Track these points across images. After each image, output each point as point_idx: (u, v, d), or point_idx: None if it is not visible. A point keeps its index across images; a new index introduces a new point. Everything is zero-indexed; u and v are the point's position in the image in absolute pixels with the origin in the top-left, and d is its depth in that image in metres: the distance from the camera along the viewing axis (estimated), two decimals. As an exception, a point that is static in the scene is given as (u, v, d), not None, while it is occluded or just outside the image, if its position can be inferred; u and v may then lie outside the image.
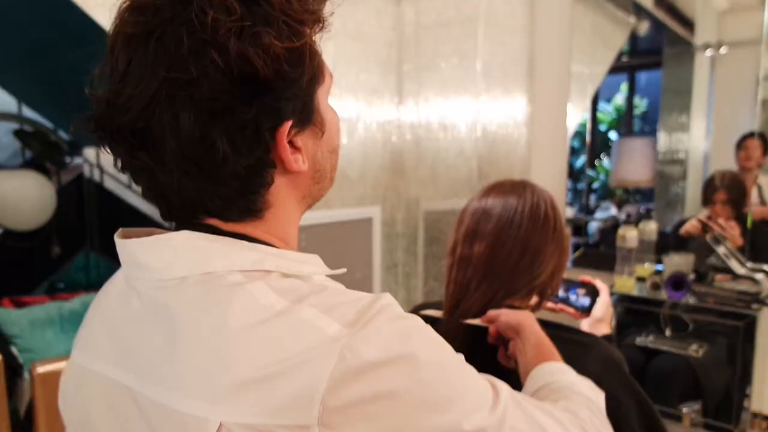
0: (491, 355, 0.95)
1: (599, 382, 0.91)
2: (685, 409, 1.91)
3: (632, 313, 2.12)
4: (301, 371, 0.46)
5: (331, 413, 0.45)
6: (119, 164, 0.55)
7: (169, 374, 0.51)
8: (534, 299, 1.02)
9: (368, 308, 0.50)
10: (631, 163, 2.76)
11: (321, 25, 0.55)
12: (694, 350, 1.78)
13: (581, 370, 0.92)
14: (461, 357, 0.58)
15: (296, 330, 0.48)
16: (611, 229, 2.67)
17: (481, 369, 0.61)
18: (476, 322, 0.96)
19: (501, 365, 0.92)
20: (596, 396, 0.78)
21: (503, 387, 0.60)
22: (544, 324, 1.01)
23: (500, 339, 0.93)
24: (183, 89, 0.48)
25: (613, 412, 0.92)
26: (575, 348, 0.96)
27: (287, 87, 0.52)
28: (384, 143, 2.17)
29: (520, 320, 0.90)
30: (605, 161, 3.34)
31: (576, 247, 2.67)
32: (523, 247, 0.97)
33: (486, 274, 0.98)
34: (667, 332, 1.91)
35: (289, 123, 0.54)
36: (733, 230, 1.98)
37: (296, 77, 0.53)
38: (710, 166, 2.42)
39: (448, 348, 0.56)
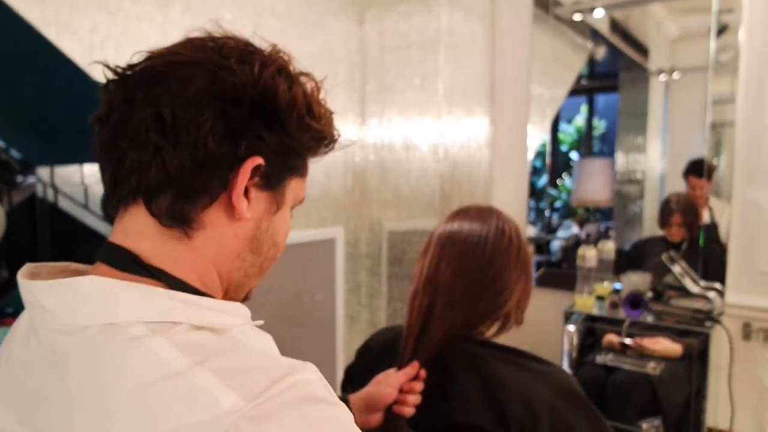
0: None
1: (554, 411, 0.91)
2: (644, 425, 1.93)
3: (592, 331, 2.14)
4: None
5: None
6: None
7: (58, 427, 0.48)
8: (495, 327, 1.01)
9: (279, 380, 0.45)
10: (591, 182, 2.82)
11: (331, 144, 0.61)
12: (652, 368, 1.80)
13: (535, 397, 0.92)
14: None
15: (189, 397, 0.44)
16: (573, 247, 2.71)
17: None
18: None
19: None
20: None
21: None
22: (501, 349, 1.01)
23: None
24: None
25: (565, 430, 0.92)
26: (529, 375, 0.96)
27: (291, 133, 0.55)
28: (346, 163, 2.17)
29: None
30: (567, 181, 3.41)
31: (538, 266, 2.70)
32: (485, 271, 0.97)
33: (450, 300, 0.96)
34: (627, 351, 1.94)
35: (262, 163, 0.53)
36: (656, 345, 2.01)
37: (303, 131, 0.56)
38: (667, 186, 2.48)
39: None
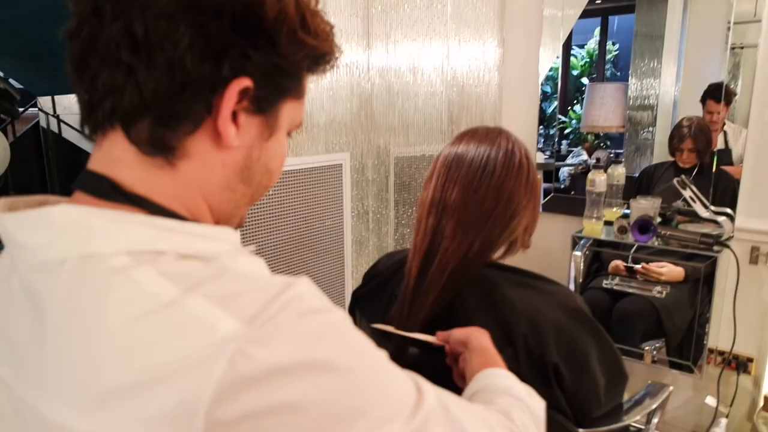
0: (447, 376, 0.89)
1: (561, 330, 0.92)
2: (646, 347, 1.97)
3: (599, 256, 2.15)
4: (183, 377, 0.39)
5: (217, 428, 0.39)
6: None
7: (39, 373, 0.45)
8: (501, 250, 1.00)
9: (274, 299, 0.43)
10: (603, 108, 2.75)
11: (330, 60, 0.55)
12: (658, 292, 1.82)
13: (542, 315, 0.92)
14: (383, 355, 0.51)
15: (182, 327, 0.41)
16: (582, 174, 2.68)
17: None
18: (431, 339, 0.91)
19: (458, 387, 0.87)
20: (533, 400, 0.73)
21: (429, 391, 0.53)
22: (510, 270, 1.01)
23: (454, 359, 0.87)
24: None
25: (576, 357, 0.93)
26: (538, 295, 0.96)
27: (282, 50, 0.49)
28: (352, 87, 2.11)
29: (468, 333, 0.85)
30: (577, 107, 3.33)
31: (547, 193, 2.68)
32: (497, 194, 0.94)
33: (460, 221, 0.94)
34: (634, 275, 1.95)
35: (250, 85, 0.48)
36: (662, 269, 1.98)
37: (296, 49, 0.50)
38: (679, 112, 2.42)
39: (366, 347, 0.49)
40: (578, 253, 2.07)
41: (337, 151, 2.05)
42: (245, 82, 0.48)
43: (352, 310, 1.19)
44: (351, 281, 2.20)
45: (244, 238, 1.77)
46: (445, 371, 0.89)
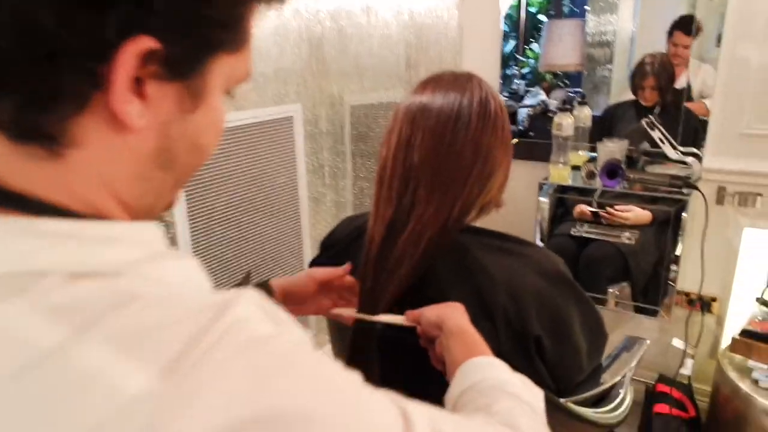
0: (423, 358, 0.80)
1: (542, 298, 0.84)
2: (610, 290, 1.96)
3: (562, 202, 2.10)
4: None
5: None
6: None
7: None
8: (474, 212, 0.89)
9: (204, 332, 0.32)
10: (561, 46, 2.67)
11: None
12: (627, 237, 1.78)
13: (521, 284, 0.84)
14: (356, 380, 0.41)
15: (72, 389, 0.30)
16: (541, 115, 2.61)
17: (413, 376, 0.45)
18: (399, 321, 0.81)
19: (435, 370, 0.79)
20: (532, 394, 0.65)
21: (418, 418, 0.42)
22: (484, 234, 0.91)
23: (429, 341, 0.79)
24: None
25: (559, 327, 0.86)
26: (516, 260, 0.87)
27: None
28: (300, 32, 1.93)
29: (441, 313, 0.75)
30: (535, 45, 3.25)
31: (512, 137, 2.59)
32: (475, 149, 0.83)
33: (436, 181, 0.82)
34: (602, 221, 1.91)
35: (154, 46, 0.35)
36: (628, 212, 1.93)
37: None
38: (637, 48, 2.35)
39: (335, 376, 0.39)
40: (545, 200, 2.01)
41: (287, 103, 1.89)
42: (146, 43, 0.34)
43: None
44: (309, 241, 2.09)
45: (187, 205, 1.62)
46: (418, 349, 0.80)
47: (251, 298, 0.36)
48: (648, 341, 1.14)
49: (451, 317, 0.75)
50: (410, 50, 1.96)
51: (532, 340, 0.83)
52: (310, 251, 2.08)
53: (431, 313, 0.77)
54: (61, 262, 0.35)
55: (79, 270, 0.35)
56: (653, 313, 1.90)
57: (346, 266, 0.92)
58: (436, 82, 0.87)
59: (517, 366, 0.83)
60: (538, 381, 0.84)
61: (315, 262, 1.05)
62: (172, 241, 1.60)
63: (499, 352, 0.82)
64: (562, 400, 0.89)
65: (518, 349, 0.83)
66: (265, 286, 0.90)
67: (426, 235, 0.82)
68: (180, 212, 1.60)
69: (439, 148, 0.82)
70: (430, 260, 0.84)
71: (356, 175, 2.22)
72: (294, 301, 0.89)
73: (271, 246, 1.94)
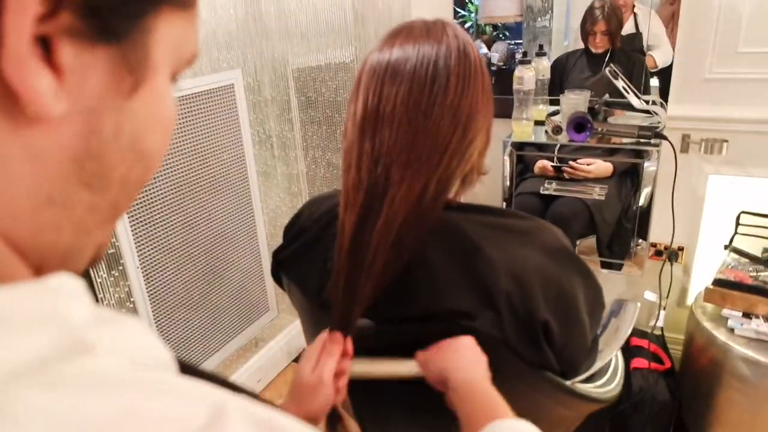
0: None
1: (547, 278, 0.75)
2: (578, 242, 1.93)
3: (523, 159, 2.03)
4: None
5: None
6: None
7: None
8: (457, 183, 0.78)
9: None
10: (498, -3, 2.58)
11: None
12: (598, 193, 1.73)
13: (523, 264, 0.74)
14: None
15: None
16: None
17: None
18: (407, 372, 0.72)
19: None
20: None
21: None
22: (474, 210, 0.80)
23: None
24: None
25: (566, 309, 0.77)
26: (515, 238, 0.77)
27: None
28: (233, -12, 1.72)
29: (443, 368, 0.67)
30: None
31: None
32: (454, 115, 0.70)
33: (409, 159, 0.70)
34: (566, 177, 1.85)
35: None
36: (591, 166, 1.87)
37: None
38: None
39: None
40: (506, 158, 1.93)
41: (226, 69, 1.70)
42: None
43: (276, 274, 0.95)
44: (263, 219, 1.94)
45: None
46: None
47: (241, 413, 0.23)
48: (639, 304, 1.08)
49: (455, 370, 0.67)
50: (356, 3, 1.80)
51: (539, 326, 0.74)
52: (264, 229, 1.94)
53: (436, 366, 0.69)
54: None
55: None
56: (619, 267, 1.89)
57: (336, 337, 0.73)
58: (406, 34, 0.74)
59: (524, 354, 0.75)
60: (545, 366, 0.78)
61: (281, 253, 0.92)
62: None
63: (504, 342, 0.73)
64: (568, 382, 0.82)
65: (524, 337, 0.74)
66: None
67: (398, 219, 0.70)
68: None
69: (413, 119, 0.70)
70: (408, 248, 0.73)
71: (307, 144, 2.07)
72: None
73: (221, 227, 1.79)
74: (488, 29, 3.19)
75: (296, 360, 2.14)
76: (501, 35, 3.30)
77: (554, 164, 1.96)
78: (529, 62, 1.75)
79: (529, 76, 1.71)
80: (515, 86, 1.74)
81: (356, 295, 0.72)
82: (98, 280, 1.39)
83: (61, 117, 0.25)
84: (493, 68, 2.88)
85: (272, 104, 1.94)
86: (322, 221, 0.87)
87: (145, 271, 1.53)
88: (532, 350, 0.75)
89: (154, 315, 1.57)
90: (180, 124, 1.58)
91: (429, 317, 0.75)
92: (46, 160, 0.25)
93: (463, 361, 0.68)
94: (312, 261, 0.86)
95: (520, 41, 2.92)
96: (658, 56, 2.01)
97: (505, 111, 1.92)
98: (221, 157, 1.76)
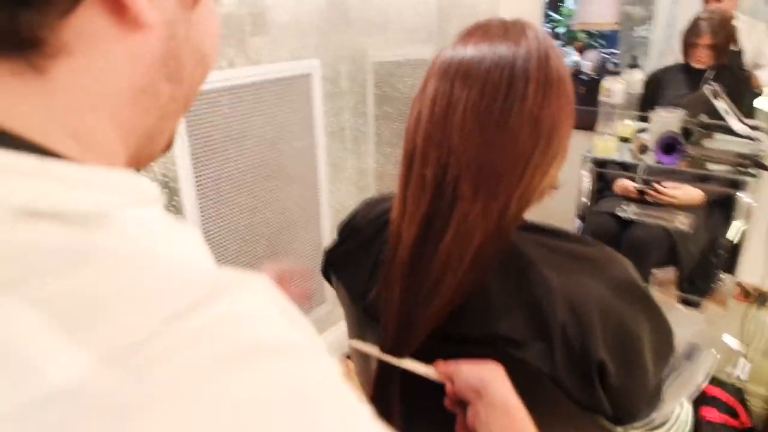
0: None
1: (608, 314, 0.67)
2: (656, 272, 1.79)
3: (604, 176, 1.90)
4: None
5: None
6: None
7: None
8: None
9: (178, 319, 0.23)
10: (596, 2, 2.45)
11: None
12: (681, 221, 1.59)
13: (583, 295, 0.67)
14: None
15: None
16: (573, 77, 2.42)
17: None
18: (430, 374, 0.66)
19: None
20: None
21: None
22: (537, 230, 0.74)
23: (459, 403, 0.65)
24: None
25: (627, 350, 0.70)
26: (577, 265, 0.70)
27: None
28: (321, -23, 1.72)
29: (483, 376, 0.62)
30: (569, 2, 3.03)
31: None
32: (535, 125, 0.64)
33: (482, 172, 0.64)
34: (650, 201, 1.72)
35: None
36: (677, 190, 1.71)
37: None
38: (680, 7, 2.12)
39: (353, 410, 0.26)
40: (586, 173, 1.82)
41: (304, 58, 1.70)
42: None
43: (326, 273, 0.93)
44: (328, 210, 1.94)
45: (194, 169, 1.47)
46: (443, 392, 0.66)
47: (260, 286, 0.26)
48: (718, 356, 0.97)
49: (495, 384, 0.61)
50: (442, 1, 1.75)
51: (594, 366, 0.67)
52: (328, 220, 1.94)
53: (472, 373, 0.62)
54: (8, 196, 0.25)
55: (31, 207, 0.26)
56: (697, 304, 1.73)
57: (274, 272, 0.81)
58: (483, 32, 0.68)
59: (574, 393, 0.68)
60: (596, 407, 0.71)
61: (332, 252, 0.90)
62: (177, 209, 1.46)
63: (552, 377, 0.67)
64: (620, 429, 0.75)
65: (576, 374, 0.68)
66: None
67: (475, 240, 0.65)
68: (186, 177, 1.45)
69: (485, 128, 0.64)
70: (484, 271, 0.67)
71: (379, 139, 2.04)
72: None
73: (286, 214, 1.80)
74: (581, 36, 3.05)
75: (348, 355, 2.13)
76: (594, 43, 3.15)
77: (637, 186, 1.83)
78: (619, 74, 1.64)
79: (618, 88, 1.59)
80: (602, 98, 1.63)
81: (417, 315, 0.68)
82: (160, 254, 1.42)
83: (151, 25, 0.32)
84: (583, 77, 2.75)
85: (348, 96, 1.93)
86: (377, 224, 0.83)
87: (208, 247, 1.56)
88: (584, 390, 0.68)
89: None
90: (255, 108, 1.60)
91: (473, 340, 0.69)
92: (142, 59, 0.33)
93: (502, 379, 0.63)
94: (360, 264, 0.83)
95: (615, 50, 2.77)
96: (766, 76, 1.84)
97: (587, 122, 1.81)
98: (292, 144, 1.76)
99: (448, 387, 0.64)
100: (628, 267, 0.74)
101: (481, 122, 0.64)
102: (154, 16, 0.32)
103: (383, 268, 0.73)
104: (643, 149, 1.53)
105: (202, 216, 1.53)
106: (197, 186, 1.50)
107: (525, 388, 0.70)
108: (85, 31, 0.30)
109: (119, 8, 0.30)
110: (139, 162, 0.39)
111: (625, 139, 1.70)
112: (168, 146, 0.41)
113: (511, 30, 0.68)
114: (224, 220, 1.60)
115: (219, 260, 1.60)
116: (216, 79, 1.45)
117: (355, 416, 0.26)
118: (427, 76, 0.70)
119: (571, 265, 0.70)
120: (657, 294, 1.72)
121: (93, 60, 0.31)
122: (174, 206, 1.46)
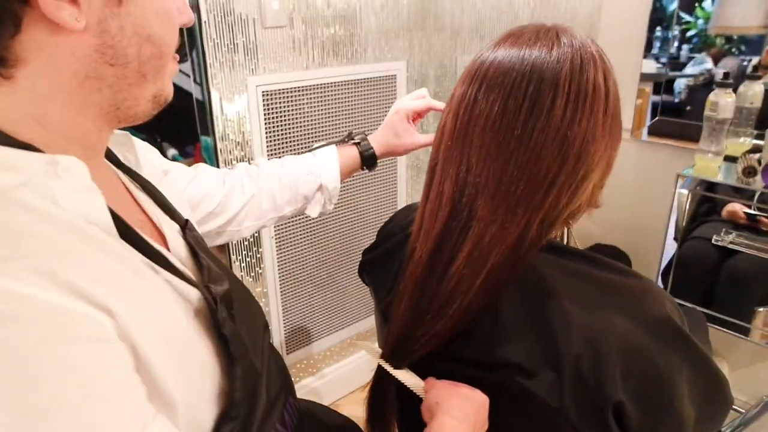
0: None
1: (634, 351, 0.60)
2: (761, 309, 1.58)
3: (714, 200, 1.71)
4: None
5: None
6: None
7: None
8: (556, 229, 0.66)
9: None
10: (740, 3, 2.18)
11: None
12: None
13: (607, 328, 0.61)
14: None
15: None
16: (703, 87, 2.19)
17: None
18: (414, 387, 0.67)
19: None
20: None
21: None
22: (562, 252, 0.68)
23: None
24: None
25: (654, 393, 0.62)
26: (607, 295, 0.63)
27: None
28: (412, -22, 1.72)
29: (439, 402, 0.62)
30: (707, 3, 2.74)
31: (653, 112, 2.20)
32: (561, 144, 0.59)
33: (499, 192, 0.61)
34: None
35: None
36: None
37: None
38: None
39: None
40: (684, 191, 1.65)
41: (390, 60, 1.71)
42: None
43: (361, 273, 0.93)
44: (402, 213, 1.93)
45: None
46: None
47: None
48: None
49: (446, 414, 0.59)
50: (536, 5, 1.67)
51: (610, 406, 0.61)
52: (403, 223, 1.93)
53: (432, 396, 0.62)
54: None
55: None
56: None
57: (424, 94, 1.03)
58: (514, 38, 0.64)
59: (579, 429, 0.62)
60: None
61: (367, 255, 0.89)
62: (252, 201, 1.53)
63: (558, 408, 0.62)
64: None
65: (587, 413, 0.62)
66: (365, 145, 1.00)
67: (489, 261, 0.62)
68: (263, 172, 1.52)
69: (505, 146, 0.60)
70: (495, 293, 0.64)
71: (463, 145, 2.00)
72: (395, 145, 1.00)
73: (362, 214, 1.82)
74: (719, 41, 2.77)
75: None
76: (734, 49, 2.86)
77: (750, 212, 1.63)
78: (729, 85, 1.47)
79: (726, 102, 1.43)
80: (707, 112, 1.47)
81: (421, 332, 0.66)
82: (232, 243, 1.50)
83: (81, 29, 0.41)
84: (714, 87, 2.49)
85: (435, 99, 1.91)
86: (405, 232, 0.82)
87: (279, 241, 1.62)
88: (596, 429, 0.62)
89: (280, 284, 1.67)
90: (338, 106, 1.63)
91: (480, 364, 0.66)
92: (80, 53, 0.43)
93: (460, 412, 0.60)
94: (387, 269, 0.82)
95: (758, 57, 2.48)
96: None
97: (691, 135, 1.65)
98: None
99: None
100: (666, 302, 0.66)
101: (501, 139, 0.61)
102: (81, 22, 0.41)
103: (399, 278, 0.71)
104: (750, 171, 1.36)
105: (279, 209, 1.59)
106: (274, 180, 1.56)
107: (531, 420, 0.65)
108: (32, 44, 0.41)
109: (52, 24, 0.40)
110: (119, 122, 0.49)
111: (731, 158, 1.52)
112: (158, 106, 0.50)
113: (543, 36, 0.63)
114: (300, 217, 1.65)
115: (287, 254, 1.66)
116: (298, 78, 1.50)
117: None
118: (458, 81, 0.67)
119: (599, 298, 0.64)
120: (757, 336, 1.52)
121: (43, 63, 0.42)
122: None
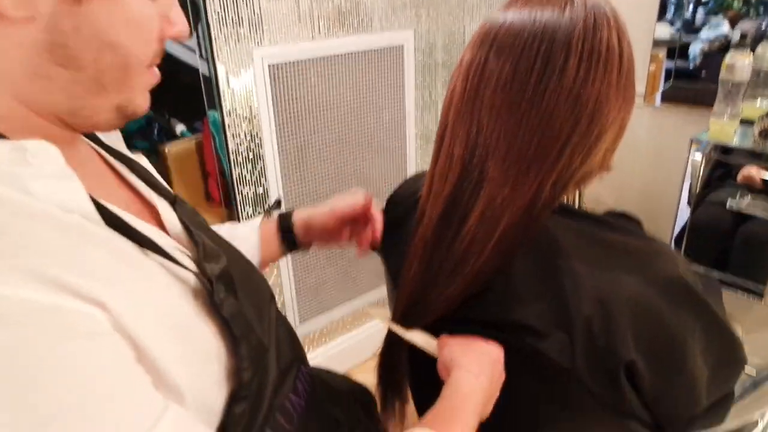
0: None
1: (645, 311, 0.60)
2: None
3: (724, 163, 1.69)
4: None
5: None
6: None
7: None
8: (569, 191, 0.66)
9: None
10: (760, -39, 2.11)
11: None
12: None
13: (619, 289, 0.61)
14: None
15: None
16: (719, 52, 2.13)
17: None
18: (426, 346, 0.67)
19: None
20: None
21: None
22: (574, 215, 0.67)
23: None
24: None
25: (666, 352, 0.62)
26: (617, 256, 0.63)
27: None
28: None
29: (455, 359, 0.62)
30: None
31: (667, 77, 2.15)
32: (575, 104, 0.58)
33: (510, 153, 0.60)
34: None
35: None
36: None
37: None
38: None
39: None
40: (698, 156, 1.63)
41: (397, 29, 1.69)
42: None
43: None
44: (412, 184, 1.93)
45: (277, 137, 1.52)
46: None
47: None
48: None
49: (463, 369, 0.60)
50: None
51: (621, 366, 0.61)
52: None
53: (447, 353, 0.63)
54: None
55: None
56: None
57: (367, 198, 0.84)
58: (524, 0, 0.63)
59: (596, 392, 0.63)
60: (626, 411, 0.64)
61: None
62: (261, 173, 1.53)
63: (569, 369, 0.62)
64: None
65: (599, 373, 0.62)
66: (287, 217, 0.87)
67: (500, 225, 0.61)
68: (269, 143, 1.51)
69: (516, 107, 0.59)
70: (508, 254, 0.64)
71: (473, 114, 1.99)
72: (314, 235, 0.86)
73: (371, 185, 1.82)
74: (736, 3, 2.70)
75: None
76: (752, 12, 2.78)
77: (764, 176, 1.60)
78: (746, 47, 1.43)
79: (743, 64, 1.40)
80: (722, 75, 1.44)
81: (433, 294, 0.67)
82: (244, 217, 1.51)
83: (25, 19, 0.38)
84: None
85: (442, 69, 1.89)
86: (411, 200, 0.82)
87: (290, 214, 1.63)
88: (608, 390, 0.62)
89: (292, 255, 1.68)
90: (344, 78, 1.62)
91: (491, 325, 0.66)
92: (26, 47, 0.39)
93: (477, 367, 0.60)
94: (396, 235, 0.82)
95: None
96: None
97: (706, 101, 1.62)
98: (381, 116, 1.77)
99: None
100: (678, 263, 0.65)
101: (512, 99, 0.60)
102: (20, 12, 0.37)
103: (408, 242, 0.71)
104: (765, 134, 1.33)
105: (284, 181, 1.59)
106: (280, 153, 1.56)
107: (542, 382, 0.66)
108: None
109: None
110: (81, 129, 0.46)
111: (748, 122, 1.49)
112: (125, 118, 0.46)
113: None
114: (308, 187, 1.66)
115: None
116: (305, 49, 1.49)
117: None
118: (467, 46, 0.66)
119: (610, 259, 0.63)
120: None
121: None
122: (258, 172, 1.53)
